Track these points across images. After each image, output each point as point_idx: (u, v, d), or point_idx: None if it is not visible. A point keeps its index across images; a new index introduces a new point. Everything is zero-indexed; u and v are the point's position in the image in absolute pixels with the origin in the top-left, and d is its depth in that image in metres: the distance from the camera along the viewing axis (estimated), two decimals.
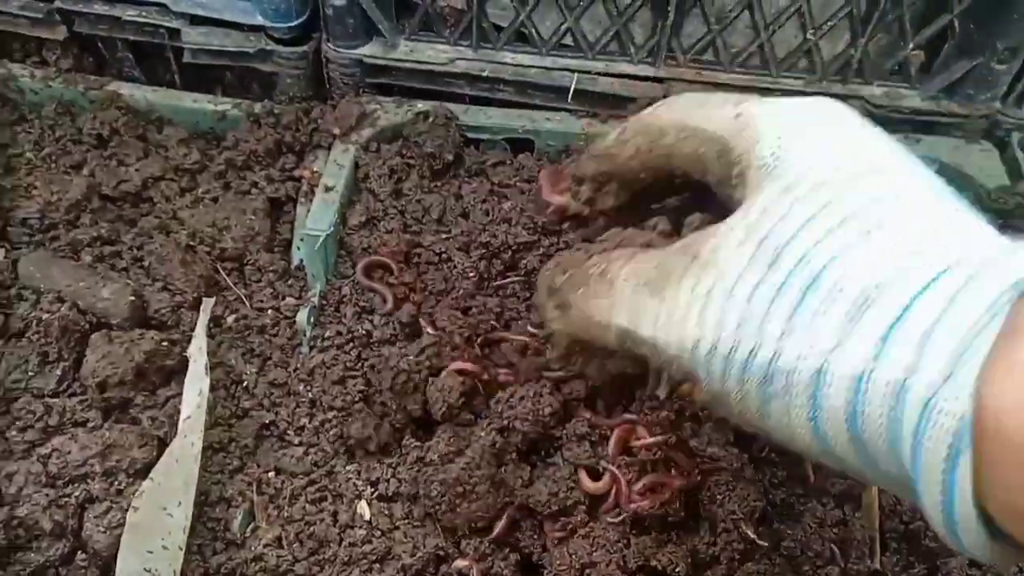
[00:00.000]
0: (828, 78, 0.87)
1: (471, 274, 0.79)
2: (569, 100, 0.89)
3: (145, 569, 0.60)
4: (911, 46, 0.85)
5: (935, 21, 0.83)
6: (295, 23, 0.86)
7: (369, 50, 0.88)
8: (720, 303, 0.41)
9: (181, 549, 0.63)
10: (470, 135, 0.90)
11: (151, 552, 0.61)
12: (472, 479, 0.64)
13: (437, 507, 0.65)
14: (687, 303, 0.43)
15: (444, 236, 0.83)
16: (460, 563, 0.65)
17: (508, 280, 0.80)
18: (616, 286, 0.48)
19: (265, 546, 0.66)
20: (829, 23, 0.83)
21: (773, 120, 0.47)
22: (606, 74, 0.88)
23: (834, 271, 0.39)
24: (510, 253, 0.81)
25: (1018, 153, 0.89)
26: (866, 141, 0.46)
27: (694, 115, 0.52)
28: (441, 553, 0.66)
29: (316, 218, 0.81)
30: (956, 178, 0.88)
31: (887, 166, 0.44)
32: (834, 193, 0.41)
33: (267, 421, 0.73)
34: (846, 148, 0.45)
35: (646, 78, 0.88)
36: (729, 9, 0.83)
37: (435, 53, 0.88)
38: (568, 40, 0.87)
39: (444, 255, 0.81)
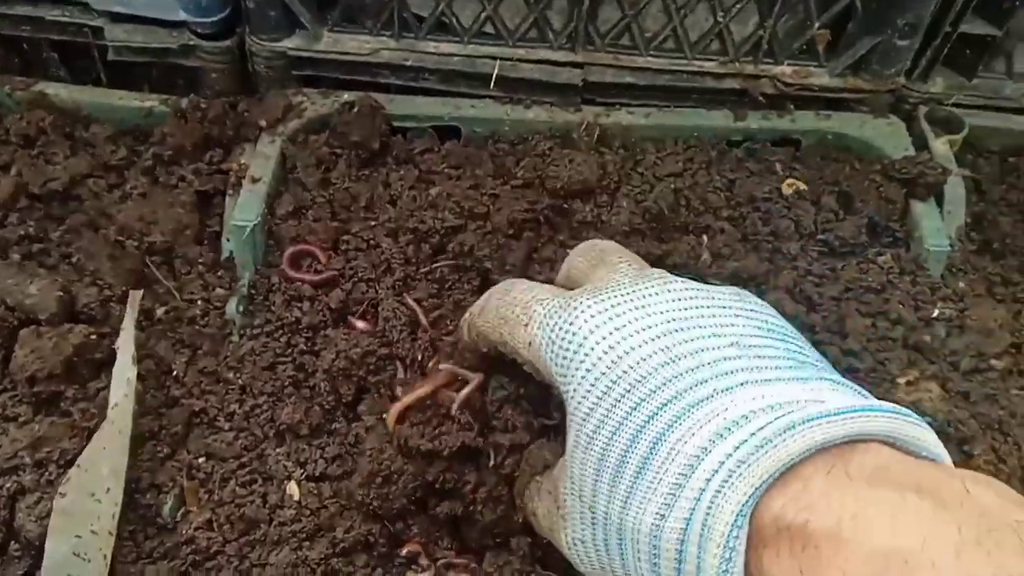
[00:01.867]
0: (740, 59, 0.90)
1: (400, 259, 0.81)
2: (492, 87, 0.91)
3: (74, 553, 0.62)
4: (817, 25, 0.88)
5: (839, 0, 0.86)
6: (217, 18, 0.87)
7: (292, 43, 0.89)
8: (584, 552, 0.54)
9: (111, 534, 0.65)
10: (397, 124, 0.91)
11: (79, 537, 0.62)
12: (383, 463, 0.65)
13: (370, 505, 0.65)
14: (570, 549, 0.56)
15: (372, 223, 0.84)
16: (410, 548, 0.67)
17: (438, 264, 0.82)
18: (540, 522, 0.60)
19: (196, 529, 0.67)
20: (738, 6, 0.86)
21: (551, 352, 0.55)
22: (527, 60, 0.90)
23: (628, 531, 0.49)
24: (438, 237, 0.82)
25: (924, 126, 0.93)
26: (632, 362, 0.51)
27: (503, 331, 0.60)
28: (371, 539, 0.67)
29: (243, 209, 0.82)
30: (864, 151, 0.92)
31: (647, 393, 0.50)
32: (602, 448, 0.50)
33: (197, 408, 0.74)
34: (614, 379, 0.51)
35: (566, 63, 0.90)
36: None
37: (358, 44, 0.90)
38: (488, 28, 0.89)
39: (372, 241, 0.83)
